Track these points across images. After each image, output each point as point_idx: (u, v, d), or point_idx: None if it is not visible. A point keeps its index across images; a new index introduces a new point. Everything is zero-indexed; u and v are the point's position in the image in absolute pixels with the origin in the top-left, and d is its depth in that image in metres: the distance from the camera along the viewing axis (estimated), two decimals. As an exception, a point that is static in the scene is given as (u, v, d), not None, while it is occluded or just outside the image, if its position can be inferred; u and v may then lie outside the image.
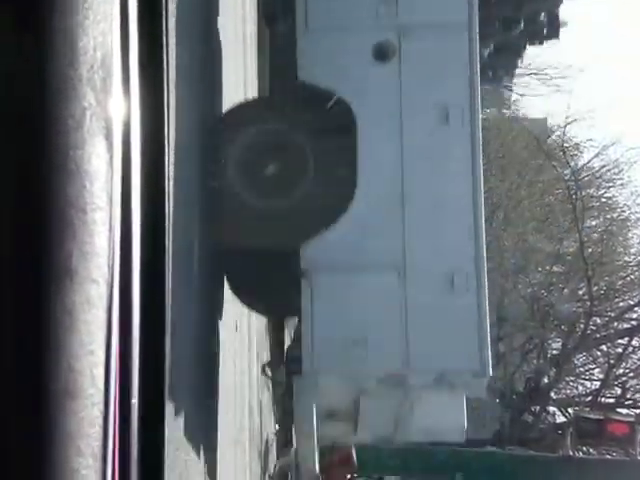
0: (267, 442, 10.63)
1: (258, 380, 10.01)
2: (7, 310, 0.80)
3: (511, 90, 36.65)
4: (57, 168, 0.81)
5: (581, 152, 26.09)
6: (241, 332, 8.90)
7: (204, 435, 6.93)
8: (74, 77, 0.83)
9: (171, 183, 1.09)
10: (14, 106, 0.81)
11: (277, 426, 11.27)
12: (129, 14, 0.91)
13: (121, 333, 0.87)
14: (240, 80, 9.18)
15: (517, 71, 36.22)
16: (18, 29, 0.82)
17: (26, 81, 0.82)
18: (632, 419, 15.15)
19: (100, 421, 0.83)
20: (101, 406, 0.83)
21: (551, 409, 19.73)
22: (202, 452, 6.75)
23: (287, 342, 11.36)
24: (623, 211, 24.50)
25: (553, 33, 21.88)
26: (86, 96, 0.84)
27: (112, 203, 0.86)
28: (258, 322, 9.96)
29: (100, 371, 0.84)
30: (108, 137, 0.86)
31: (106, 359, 0.84)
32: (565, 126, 25.50)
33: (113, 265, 0.85)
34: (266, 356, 10.68)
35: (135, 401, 0.89)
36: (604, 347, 21.39)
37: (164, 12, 0.99)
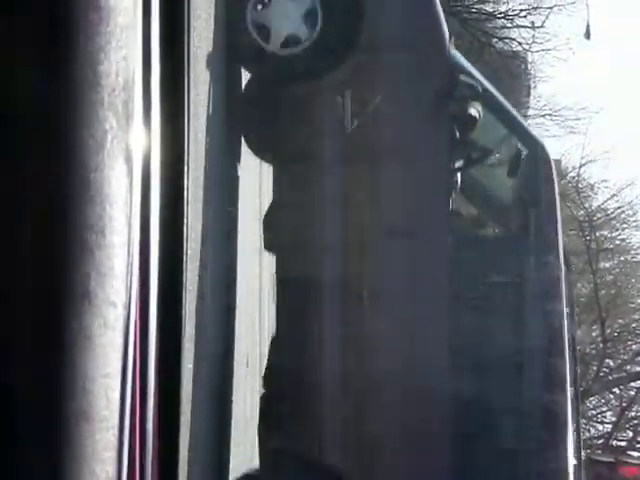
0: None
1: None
2: (26, 331, 0.80)
3: (525, 131, 36.73)
4: (77, 190, 0.81)
5: (595, 193, 26.11)
6: (252, 367, 8.86)
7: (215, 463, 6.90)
8: (96, 101, 0.84)
9: (189, 208, 1.08)
10: (37, 128, 0.82)
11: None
12: (151, 40, 0.91)
13: (138, 356, 0.86)
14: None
15: (530, 112, 36.41)
16: (41, 52, 0.83)
17: (49, 104, 0.82)
18: (644, 463, 15.01)
19: (115, 445, 0.83)
20: (116, 430, 0.83)
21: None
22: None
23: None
24: (637, 253, 24.45)
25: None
26: (107, 119, 0.85)
27: (131, 227, 0.86)
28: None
29: (116, 394, 0.83)
30: (128, 161, 0.86)
31: (122, 383, 0.84)
32: (580, 167, 25.54)
33: (131, 288, 0.85)
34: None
35: (150, 426, 0.88)
36: (617, 390, 21.26)
37: (186, 38, 1.00)
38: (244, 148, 7.78)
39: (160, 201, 0.90)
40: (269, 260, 9.60)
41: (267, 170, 8.40)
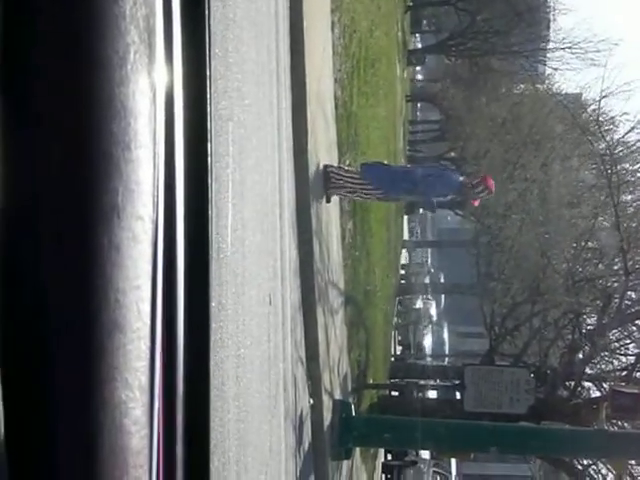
0: (302, 415, 10.68)
1: (292, 355, 10.05)
2: (57, 247, 0.80)
3: (545, 64, 36.38)
4: (103, 105, 0.81)
5: (616, 126, 25.90)
6: (275, 306, 8.93)
7: (236, 406, 6.98)
8: (118, 14, 0.83)
9: (212, 124, 1.08)
10: (60, 42, 0.81)
11: (311, 400, 11.32)
12: None
13: (166, 269, 0.87)
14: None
15: (551, 45, 36.04)
16: None
17: (71, 16, 0.81)
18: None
19: (147, 355, 0.84)
20: (147, 340, 0.84)
21: (586, 384, 19.64)
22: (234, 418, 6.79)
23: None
24: (659, 185, 24.26)
25: None
26: (130, 33, 0.84)
27: (156, 140, 0.86)
28: (292, 296, 9.99)
29: (146, 306, 0.84)
30: (151, 75, 0.86)
31: (152, 294, 0.85)
32: (600, 100, 25.32)
33: (157, 202, 0.86)
34: (299, 332, 10.71)
35: (181, 334, 0.90)
36: (639, 322, 21.25)
37: None
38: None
39: (184, 115, 0.90)
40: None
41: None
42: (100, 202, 0.80)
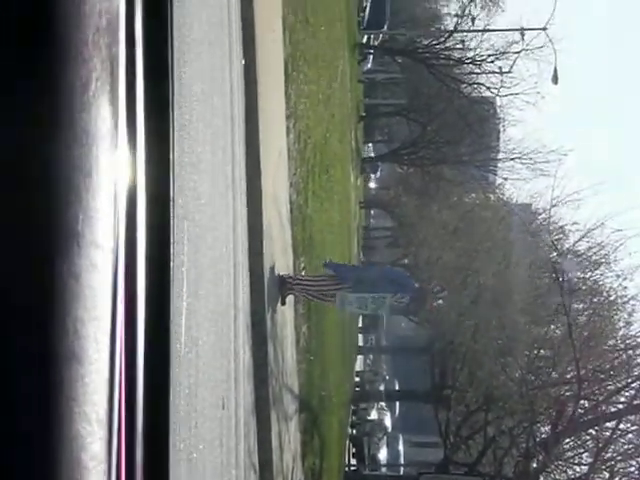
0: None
1: (244, 461, 9.85)
2: (15, 272, 0.76)
3: (495, 174, 37.06)
4: (63, 130, 0.78)
5: (566, 235, 26.27)
6: (228, 409, 8.78)
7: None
8: (80, 40, 0.81)
9: (176, 149, 1.04)
10: (21, 66, 0.79)
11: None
12: None
13: (126, 300, 0.83)
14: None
15: (500, 155, 36.77)
16: None
17: (33, 40, 0.79)
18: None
19: (106, 388, 0.79)
20: (106, 373, 0.79)
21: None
22: None
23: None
24: (609, 294, 24.53)
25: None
26: (92, 59, 0.82)
27: (117, 167, 0.83)
28: (245, 400, 9.84)
29: (106, 337, 0.80)
30: (113, 102, 0.83)
31: (112, 325, 0.80)
32: (550, 209, 25.75)
33: (118, 231, 0.82)
34: (252, 438, 10.52)
35: (141, 368, 0.84)
36: (592, 430, 21.22)
37: None
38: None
39: (145, 142, 0.87)
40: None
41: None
42: (60, 228, 0.76)
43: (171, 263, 0.89)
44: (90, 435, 0.77)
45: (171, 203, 0.89)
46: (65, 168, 0.78)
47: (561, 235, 26.09)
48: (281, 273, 11.47)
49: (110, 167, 0.81)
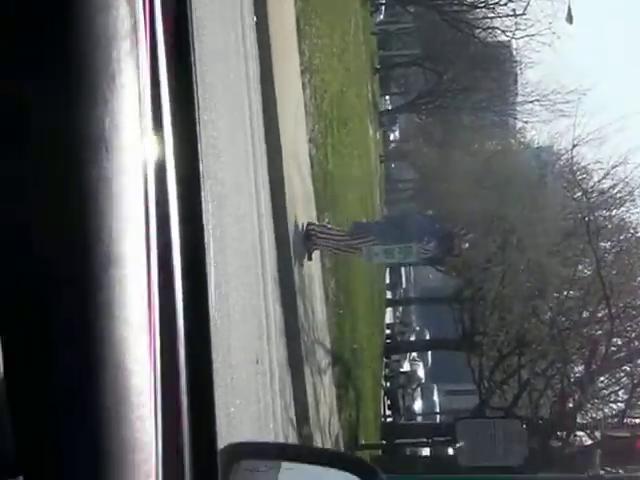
0: None
1: (282, 416, 9.93)
2: (45, 180, 0.76)
3: (515, 118, 36.77)
4: (83, 34, 0.78)
5: (590, 174, 26.09)
6: (262, 364, 8.84)
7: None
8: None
9: (197, 53, 1.02)
10: None
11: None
12: None
13: (157, 204, 0.83)
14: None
15: (519, 99, 36.46)
16: None
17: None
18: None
19: (143, 293, 0.80)
20: (143, 277, 0.80)
21: (578, 432, 19.52)
22: None
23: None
24: (636, 231, 24.42)
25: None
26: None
27: (139, 70, 0.82)
28: (278, 355, 9.90)
29: (141, 242, 0.80)
30: (130, 1, 0.82)
31: (146, 228, 0.81)
32: (572, 149, 25.57)
33: (144, 132, 0.82)
34: (288, 392, 10.60)
35: (178, 272, 0.85)
36: (627, 367, 21.22)
37: None
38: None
39: (165, 41, 0.85)
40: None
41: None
42: (86, 132, 0.76)
43: (198, 162, 0.88)
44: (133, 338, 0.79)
45: (195, 110, 0.88)
46: (91, 72, 0.77)
47: (585, 175, 25.92)
48: (305, 224, 11.44)
49: (133, 70, 0.80)
